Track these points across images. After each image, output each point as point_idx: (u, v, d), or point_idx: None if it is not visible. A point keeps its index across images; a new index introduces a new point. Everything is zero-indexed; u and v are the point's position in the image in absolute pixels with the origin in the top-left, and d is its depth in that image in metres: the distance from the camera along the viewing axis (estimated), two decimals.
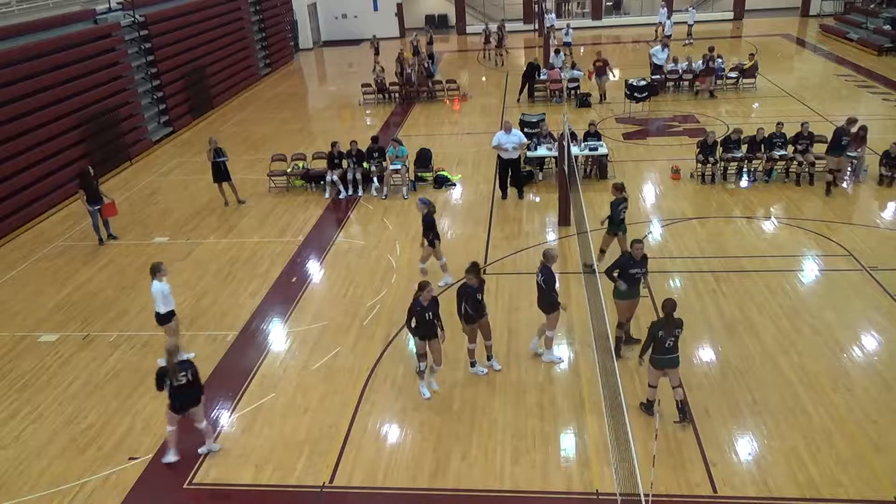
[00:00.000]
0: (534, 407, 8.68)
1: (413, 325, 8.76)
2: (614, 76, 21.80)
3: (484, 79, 27.32)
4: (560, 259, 11.91)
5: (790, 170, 14.93)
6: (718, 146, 15.17)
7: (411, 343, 10.22)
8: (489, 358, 9.44)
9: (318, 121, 23.10)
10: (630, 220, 13.62)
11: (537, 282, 9.23)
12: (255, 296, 11.88)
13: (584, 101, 21.70)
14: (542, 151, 16.06)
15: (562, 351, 9.74)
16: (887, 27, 26.84)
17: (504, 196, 15.09)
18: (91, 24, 19.36)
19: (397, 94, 24.46)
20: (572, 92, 22.43)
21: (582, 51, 31.55)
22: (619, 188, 11.27)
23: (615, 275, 8.97)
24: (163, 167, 19.18)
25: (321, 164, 16.82)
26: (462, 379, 9.31)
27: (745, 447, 7.83)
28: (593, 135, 15.90)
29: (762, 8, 36.51)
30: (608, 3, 38.36)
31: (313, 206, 15.62)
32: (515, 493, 7.47)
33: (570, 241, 13.00)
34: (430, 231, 11.35)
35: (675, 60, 23.14)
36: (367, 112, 23.57)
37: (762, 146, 15.01)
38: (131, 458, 8.35)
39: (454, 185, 16.26)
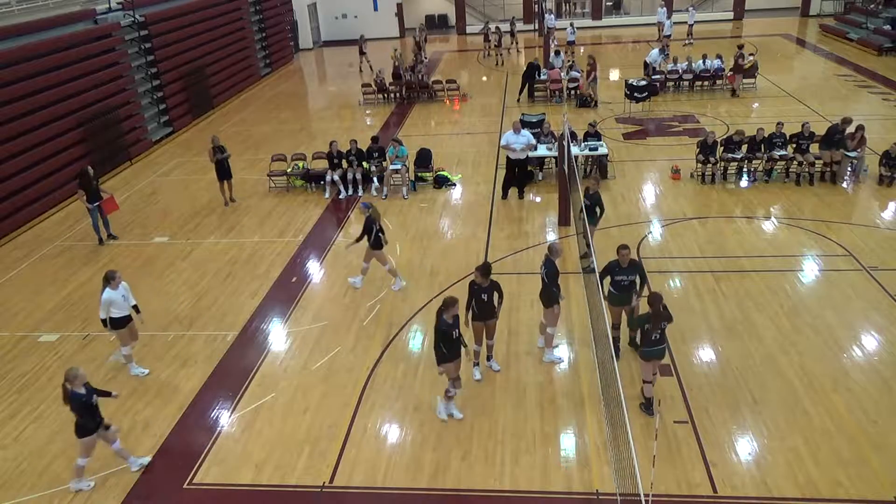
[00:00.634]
0: (534, 407, 8.68)
1: (444, 348, 8.16)
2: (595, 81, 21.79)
3: (484, 79, 27.32)
4: (560, 259, 11.89)
5: (790, 170, 14.93)
6: (719, 146, 15.17)
7: (412, 343, 10.24)
8: (489, 358, 9.44)
9: (318, 121, 23.10)
10: (630, 220, 13.68)
11: (541, 275, 9.25)
12: (255, 296, 11.88)
13: (584, 101, 21.70)
14: (542, 151, 16.06)
15: (562, 351, 9.73)
16: (887, 27, 26.84)
17: (504, 196, 15.09)
18: (91, 24, 19.36)
19: (397, 94, 24.46)
20: (572, 92, 22.44)
21: (582, 51, 31.55)
22: (597, 180, 11.68)
23: (602, 280, 9.04)
24: (163, 167, 19.18)
25: (321, 164, 16.83)
26: (463, 377, 9.29)
27: (745, 447, 7.83)
28: (593, 135, 15.91)
29: (762, 8, 36.52)
30: (608, 3, 38.36)
31: (313, 206, 15.62)
32: (515, 493, 7.47)
33: (570, 242, 13.00)
34: (368, 234, 11.28)
35: (675, 60, 23.18)
36: (367, 112, 23.57)
37: (762, 146, 15.01)
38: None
39: (454, 185, 16.26)
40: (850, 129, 14.87)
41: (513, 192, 15.12)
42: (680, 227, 13.32)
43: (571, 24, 29.95)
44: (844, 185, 14.68)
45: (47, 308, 11.98)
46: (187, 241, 14.19)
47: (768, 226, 13.13)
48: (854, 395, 8.49)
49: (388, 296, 11.53)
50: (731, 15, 36.21)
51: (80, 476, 7.89)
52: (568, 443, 8.09)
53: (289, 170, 16.79)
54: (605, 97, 22.61)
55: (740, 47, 22.07)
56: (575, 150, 14.75)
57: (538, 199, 15.10)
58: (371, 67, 28.93)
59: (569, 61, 24.89)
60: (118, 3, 21.06)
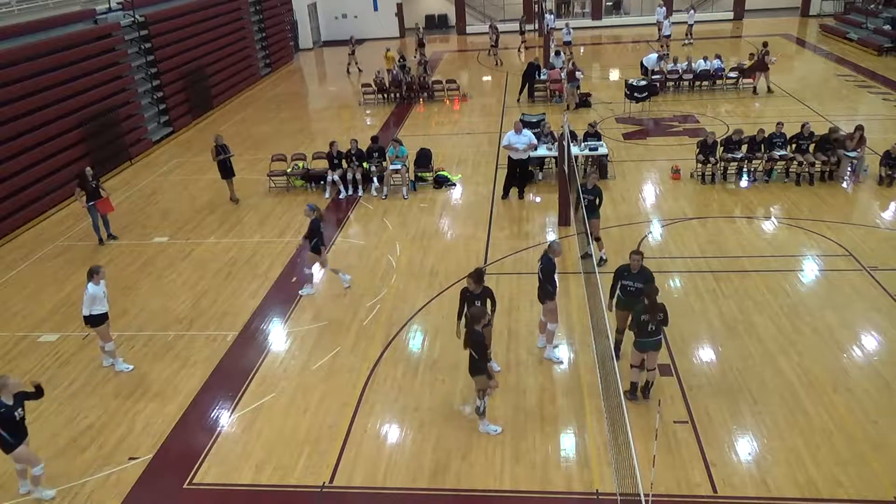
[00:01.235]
0: (534, 407, 8.67)
1: (481, 359, 8.02)
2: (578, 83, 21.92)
3: (485, 79, 27.32)
4: (560, 259, 11.90)
5: (790, 170, 14.93)
6: (719, 146, 15.17)
7: (412, 343, 10.24)
8: (488, 360, 9.40)
9: (318, 121, 23.10)
10: (630, 219, 13.68)
11: (537, 270, 9.26)
12: (255, 296, 11.88)
13: (584, 101, 21.69)
14: (542, 151, 16.06)
15: (562, 351, 9.73)
16: (887, 27, 26.84)
17: (505, 196, 15.09)
18: (91, 24, 19.36)
19: (397, 95, 24.46)
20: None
21: (582, 51, 31.57)
22: (596, 175, 12.00)
23: (615, 284, 9.09)
24: (163, 167, 19.18)
25: (321, 164, 16.83)
26: (462, 378, 9.30)
27: (745, 447, 7.83)
28: (593, 135, 15.91)
29: (762, 8, 36.51)
30: (608, 3, 38.36)
31: None
32: (515, 493, 7.47)
33: (570, 242, 12.99)
34: (314, 236, 11.35)
35: (675, 60, 23.18)
36: (367, 112, 23.57)
37: (762, 146, 15.02)
38: (131, 458, 8.34)
39: (454, 185, 16.26)
40: (848, 129, 14.88)
41: (513, 192, 15.12)
42: (680, 227, 13.32)
43: (567, 25, 29.99)
44: (844, 185, 14.68)
45: (47, 308, 11.98)
46: (187, 241, 14.19)
47: (768, 226, 13.13)
48: (854, 395, 8.49)
49: (388, 296, 11.53)
50: (731, 15, 36.21)
51: (36, 483, 7.78)
52: (568, 443, 8.09)
53: (289, 170, 16.79)
54: (605, 97, 22.62)
55: (765, 45, 21.99)
56: (575, 150, 14.76)
57: (538, 199, 15.10)
58: (359, 69, 29.10)
59: (569, 62, 24.88)
60: (118, 3, 21.06)
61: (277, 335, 10.73)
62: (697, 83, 22.89)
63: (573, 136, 14.92)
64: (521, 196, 15.11)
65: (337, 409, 8.94)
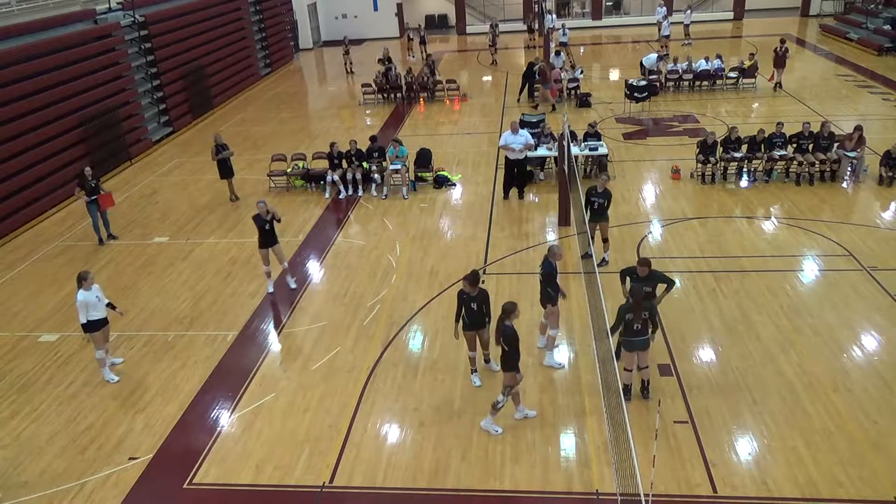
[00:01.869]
0: (534, 407, 8.66)
1: (515, 353, 8.03)
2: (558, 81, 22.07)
3: (484, 79, 27.32)
4: (559, 261, 11.90)
5: (790, 170, 14.93)
6: (718, 146, 15.17)
7: (412, 343, 10.23)
8: (487, 360, 9.42)
9: (318, 121, 23.10)
10: (630, 220, 13.68)
11: (538, 274, 9.26)
12: (255, 296, 11.88)
13: (584, 101, 21.70)
14: (542, 151, 16.06)
15: (562, 351, 9.73)
16: (887, 27, 26.84)
17: (505, 196, 15.09)
18: (91, 24, 19.36)
19: (397, 95, 24.46)
20: (572, 92, 22.45)
21: (582, 51, 31.57)
22: (607, 177, 12.06)
23: (623, 280, 9.21)
24: (163, 167, 19.18)
25: (321, 164, 16.83)
26: (462, 378, 9.31)
27: (745, 447, 7.83)
28: (593, 135, 15.91)
29: (762, 8, 36.51)
30: (608, 3, 38.37)
31: (313, 206, 15.63)
32: (515, 493, 7.47)
33: (571, 241, 12.99)
34: (261, 234, 11.46)
35: (675, 61, 23.18)
36: (367, 112, 23.57)
37: (762, 146, 15.01)
38: (131, 458, 8.35)
39: (454, 185, 16.26)
40: (848, 129, 14.89)
41: (513, 192, 15.12)
42: (680, 227, 13.32)
43: (563, 26, 30.06)
44: (844, 185, 14.68)
45: (47, 308, 11.98)
46: (187, 241, 14.19)
47: (768, 226, 13.13)
48: (854, 395, 8.49)
49: (388, 296, 11.53)
50: (731, 15, 36.20)
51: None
52: (568, 443, 8.09)
53: (289, 170, 16.80)
54: (605, 97, 22.63)
55: (783, 41, 22.05)
56: (575, 150, 14.76)
57: (538, 199, 15.09)
58: (352, 70, 29.19)
59: (570, 62, 24.93)
60: (118, 3, 21.07)
61: (277, 335, 10.73)
62: (697, 83, 22.89)
63: (573, 136, 14.91)
64: (521, 196, 15.11)
65: (337, 409, 8.94)
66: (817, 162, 14.65)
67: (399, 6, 37.78)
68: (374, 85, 24.47)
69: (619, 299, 9.42)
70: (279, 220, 11.67)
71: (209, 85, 24.44)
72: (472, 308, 8.74)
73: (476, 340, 9.04)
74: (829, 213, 13.43)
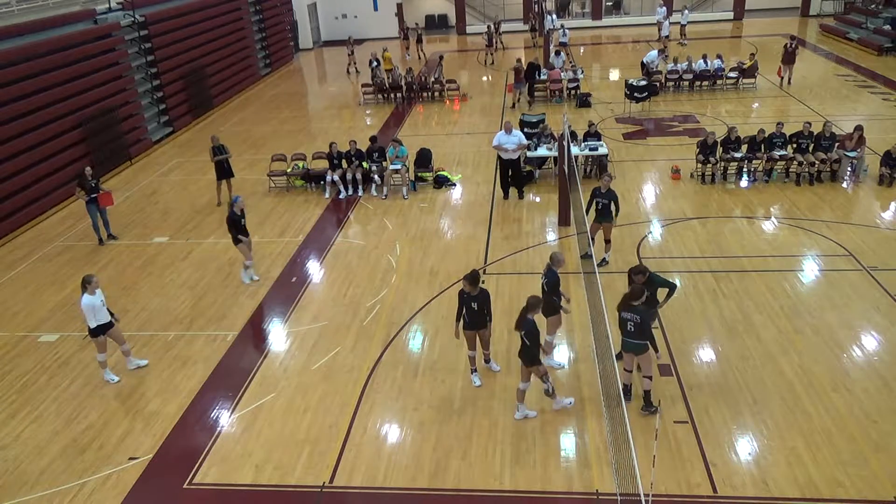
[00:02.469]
0: (534, 407, 8.66)
1: (536, 348, 8.19)
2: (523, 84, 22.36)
3: (484, 78, 27.32)
4: (561, 268, 11.90)
5: (790, 170, 14.93)
6: (718, 146, 15.17)
7: (412, 343, 10.24)
8: (487, 360, 9.42)
9: (318, 121, 23.10)
10: (630, 220, 13.68)
11: (541, 284, 9.23)
12: (255, 296, 11.88)
13: (584, 101, 21.70)
14: (542, 151, 16.07)
15: (562, 351, 9.73)
16: (887, 27, 26.84)
17: (505, 196, 15.09)
18: (91, 24, 19.36)
19: (397, 95, 24.47)
20: (572, 92, 22.45)
21: (582, 51, 31.57)
22: (610, 177, 12.02)
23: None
24: (163, 167, 19.18)
25: (321, 164, 16.83)
26: (462, 378, 9.31)
27: (745, 447, 7.83)
28: (593, 135, 15.91)
29: (762, 8, 36.52)
30: (608, 4, 38.37)
31: (313, 206, 15.63)
32: (515, 493, 7.47)
33: (571, 241, 13.00)
34: (233, 229, 11.72)
35: (675, 61, 23.19)
36: (367, 112, 23.57)
37: (762, 146, 15.02)
38: (131, 458, 8.35)
39: (454, 185, 16.26)
40: (848, 129, 14.89)
41: (513, 192, 15.12)
42: (680, 227, 13.32)
43: (563, 26, 30.10)
44: (844, 185, 14.68)
45: (47, 308, 11.98)
46: (187, 241, 14.19)
47: (768, 226, 13.13)
48: (854, 395, 8.49)
49: (388, 296, 11.53)
50: (731, 15, 36.21)
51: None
52: (568, 443, 8.09)
53: (289, 170, 16.80)
54: (605, 97, 22.63)
55: (793, 38, 22.31)
56: (575, 150, 14.76)
57: (538, 199, 15.10)
58: (357, 70, 29.22)
59: (570, 62, 24.95)
60: (118, 3, 21.07)
61: (277, 335, 10.73)
62: (697, 83, 22.89)
63: (573, 136, 14.91)
64: (520, 196, 15.11)
65: (337, 409, 8.94)
66: (817, 162, 14.64)
67: (399, 6, 37.77)
68: (374, 85, 24.49)
69: (619, 299, 9.36)
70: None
71: (209, 85, 24.44)
72: (473, 308, 8.74)
73: (476, 340, 9.03)
74: (829, 213, 13.43)
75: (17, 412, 9.34)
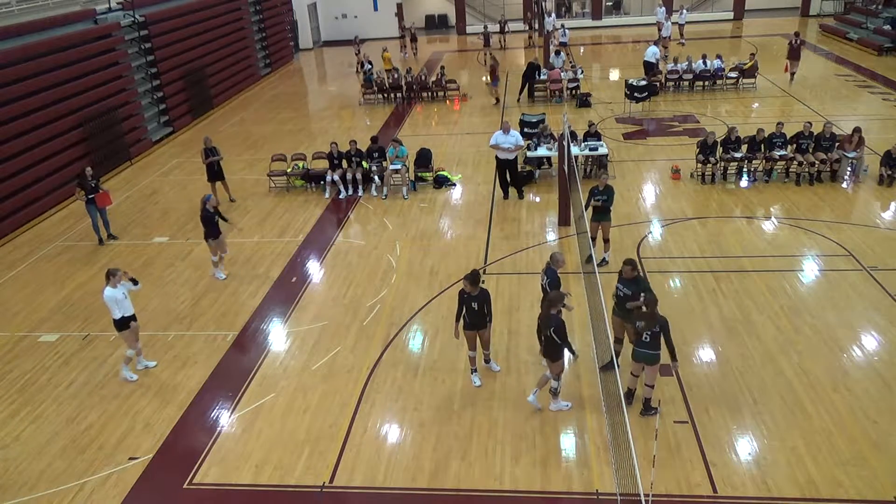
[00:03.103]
0: (534, 405, 8.66)
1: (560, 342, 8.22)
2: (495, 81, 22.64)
3: (484, 79, 27.32)
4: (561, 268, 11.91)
5: (790, 170, 14.94)
6: (718, 146, 15.17)
7: (412, 343, 10.24)
8: (487, 360, 9.42)
9: (318, 121, 23.11)
10: (630, 220, 13.68)
11: (542, 284, 9.22)
12: (255, 296, 11.88)
13: (584, 101, 21.71)
14: (542, 151, 16.07)
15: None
16: (887, 27, 26.84)
17: (505, 196, 15.09)
18: (91, 24, 19.36)
19: (397, 95, 24.47)
20: (572, 92, 22.45)
21: (582, 51, 31.58)
22: (606, 175, 11.96)
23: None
24: (163, 167, 19.18)
25: (321, 164, 16.83)
26: (462, 378, 9.31)
27: (745, 447, 7.83)
28: (593, 135, 15.91)
29: (762, 8, 36.53)
30: (608, 3, 38.38)
31: (313, 206, 15.63)
32: (515, 493, 7.47)
33: (570, 241, 13.00)
34: (207, 226, 11.94)
35: (675, 60, 23.19)
36: (367, 112, 23.56)
37: (762, 146, 15.01)
38: (131, 458, 8.35)
39: (454, 185, 16.26)
40: (847, 129, 14.89)
41: (513, 192, 15.12)
42: (680, 227, 13.32)
43: (563, 26, 30.14)
44: (844, 185, 14.68)
45: (47, 308, 11.98)
46: (187, 241, 14.19)
47: (768, 226, 13.13)
48: (854, 395, 8.49)
49: (388, 296, 11.53)
50: (731, 15, 36.23)
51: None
52: (568, 443, 8.09)
53: (289, 170, 16.80)
54: (605, 97, 22.64)
55: (797, 34, 22.46)
56: (575, 150, 14.76)
57: (538, 199, 15.10)
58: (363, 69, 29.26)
59: (570, 62, 24.95)
60: (118, 3, 21.07)
61: (277, 335, 10.73)
62: (697, 83, 22.89)
63: (573, 136, 14.91)
64: (520, 196, 15.11)
65: (337, 409, 8.94)
66: (817, 162, 14.64)
67: (399, 6, 37.79)
68: (374, 85, 24.50)
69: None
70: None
71: (209, 85, 24.44)
72: (473, 308, 8.74)
73: (476, 340, 9.03)
74: (829, 213, 13.43)
75: (17, 412, 9.34)
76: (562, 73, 22.40)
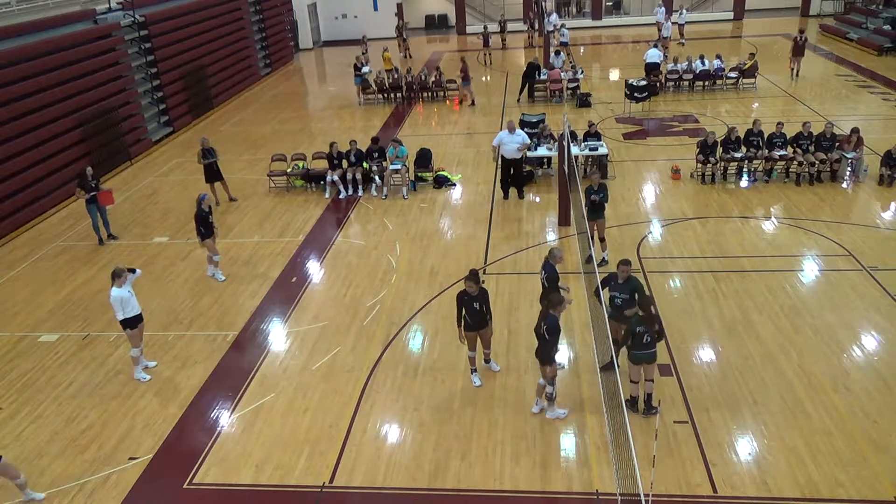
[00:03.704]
0: (533, 408, 8.66)
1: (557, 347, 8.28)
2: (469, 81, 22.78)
3: (484, 79, 27.32)
4: (560, 264, 11.90)
5: (790, 170, 14.93)
6: (718, 146, 15.17)
7: (412, 343, 10.24)
8: (487, 360, 9.42)
9: (318, 121, 23.10)
10: (630, 220, 13.68)
11: (541, 279, 9.23)
12: (255, 296, 11.88)
13: (584, 101, 21.70)
14: (542, 151, 16.07)
15: (562, 351, 9.71)
16: (887, 27, 26.83)
17: (505, 196, 15.09)
18: (91, 24, 19.36)
19: (397, 95, 24.47)
20: (572, 92, 22.44)
21: (582, 51, 31.57)
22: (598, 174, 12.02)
23: (598, 291, 8.84)
24: (163, 167, 19.18)
25: (321, 164, 16.83)
26: (462, 378, 9.31)
27: (745, 447, 7.83)
28: (593, 135, 15.91)
29: (762, 8, 36.52)
30: (608, 3, 38.37)
31: (313, 206, 15.63)
32: (515, 493, 7.47)
33: (571, 241, 13.00)
34: (200, 225, 12.00)
35: (675, 60, 23.18)
36: (367, 112, 23.54)
37: (759, 143, 15.00)
38: (131, 458, 8.35)
39: (454, 185, 16.26)
40: (847, 130, 14.89)
41: (513, 191, 15.12)
42: (680, 227, 13.32)
43: (563, 26, 30.14)
44: (844, 185, 14.68)
45: (47, 308, 11.98)
46: (187, 241, 14.19)
47: (768, 226, 13.13)
48: (854, 395, 8.49)
49: (388, 296, 11.53)
50: (731, 15, 36.21)
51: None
52: (568, 443, 8.09)
53: (289, 170, 16.80)
54: (605, 97, 22.63)
55: (801, 31, 22.75)
56: (575, 150, 14.76)
57: (538, 199, 15.10)
58: (370, 69, 29.16)
59: (570, 63, 24.95)
60: (118, 3, 21.07)
61: (277, 335, 10.73)
62: (697, 83, 22.89)
63: (573, 136, 14.91)
64: (521, 196, 15.11)
65: (337, 409, 8.94)
66: (817, 162, 14.64)
67: (399, 6, 37.77)
68: (374, 85, 24.49)
69: None
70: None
71: (209, 85, 24.44)
72: (474, 308, 8.73)
73: (477, 340, 9.03)
74: (829, 213, 13.43)
75: (17, 412, 9.34)
76: (562, 73, 22.40)
